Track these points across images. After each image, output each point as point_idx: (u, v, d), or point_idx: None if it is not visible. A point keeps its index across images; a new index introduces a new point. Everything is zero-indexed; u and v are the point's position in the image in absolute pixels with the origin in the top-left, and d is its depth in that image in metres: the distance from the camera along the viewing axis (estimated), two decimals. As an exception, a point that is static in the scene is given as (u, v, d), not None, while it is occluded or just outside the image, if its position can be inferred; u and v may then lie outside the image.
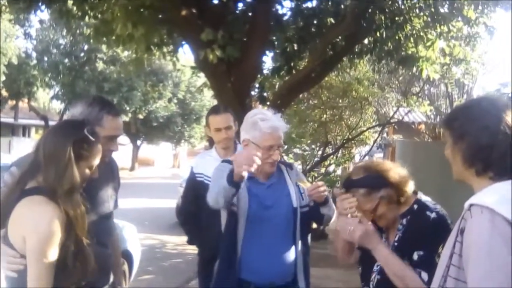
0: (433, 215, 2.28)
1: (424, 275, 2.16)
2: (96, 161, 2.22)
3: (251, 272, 2.85)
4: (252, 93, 7.91)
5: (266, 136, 2.84)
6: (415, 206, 2.36)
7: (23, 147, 24.52)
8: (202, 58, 5.65)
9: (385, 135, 15.44)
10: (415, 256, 2.22)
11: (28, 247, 1.97)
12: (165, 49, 7.69)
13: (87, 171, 2.19)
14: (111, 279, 2.68)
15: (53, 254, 1.97)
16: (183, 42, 7.22)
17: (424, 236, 2.25)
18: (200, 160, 4.01)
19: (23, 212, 2.01)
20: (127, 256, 5.87)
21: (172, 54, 7.76)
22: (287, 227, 2.92)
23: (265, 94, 8.20)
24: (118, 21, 6.18)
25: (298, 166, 9.69)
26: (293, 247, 2.93)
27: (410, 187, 2.38)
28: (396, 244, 2.34)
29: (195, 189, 3.83)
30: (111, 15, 6.54)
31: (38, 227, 1.96)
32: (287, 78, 7.43)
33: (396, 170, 2.39)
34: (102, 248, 2.61)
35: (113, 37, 6.90)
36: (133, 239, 6.17)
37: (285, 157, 10.17)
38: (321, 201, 2.91)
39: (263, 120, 2.87)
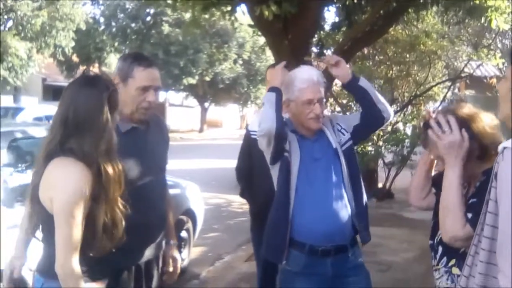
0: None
1: (469, 215, 2.01)
2: None
3: (305, 233, 2.76)
4: (315, 50, 7.75)
5: (303, 91, 2.79)
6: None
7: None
8: (258, 15, 5.55)
9: (456, 90, 14.83)
10: (469, 202, 2.07)
11: (55, 208, 1.97)
12: (224, 9, 7.61)
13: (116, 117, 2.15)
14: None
15: (80, 215, 1.96)
16: (241, 1, 7.10)
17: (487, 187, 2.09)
18: (255, 117, 4.00)
19: (52, 173, 2.00)
20: (191, 215, 6.00)
21: (230, 13, 7.67)
22: (337, 177, 2.82)
23: (326, 51, 7.99)
24: (176, -18, 6.17)
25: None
26: (346, 204, 2.81)
27: (498, 143, 2.06)
28: (469, 201, 2.14)
29: (249, 145, 3.86)
30: (168, -24, 6.53)
31: (65, 188, 1.95)
32: (348, 33, 7.20)
33: (486, 122, 2.15)
34: (158, 202, 2.71)
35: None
36: (196, 198, 6.28)
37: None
38: (348, 78, 2.89)
39: (298, 76, 2.83)
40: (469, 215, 2.02)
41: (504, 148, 1.60)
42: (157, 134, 2.77)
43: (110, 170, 2.02)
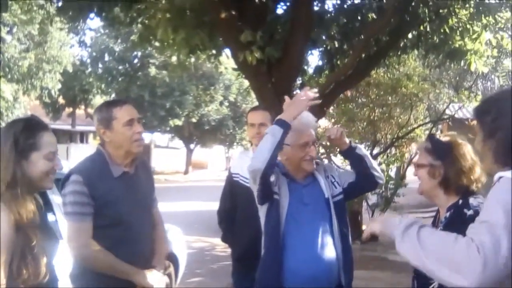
0: (469, 212, 2.14)
1: None
2: (53, 149, 2.13)
3: (293, 278, 2.76)
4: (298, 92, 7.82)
5: (300, 134, 2.82)
6: (460, 201, 2.22)
7: (80, 153, 25.26)
8: (242, 60, 5.63)
9: (438, 132, 15.02)
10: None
11: None
12: (209, 52, 7.72)
13: (46, 162, 2.10)
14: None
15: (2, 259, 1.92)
16: (225, 46, 7.22)
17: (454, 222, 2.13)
18: (238, 160, 4.03)
19: None
20: (173, 259, 5.89)
21: (215, 57, 7.78)
22: (325, 223, 2.84)
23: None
24: (160, 26, 6.25)
25: (347, 166, 9.47)
26: (333, 249, 2.82)
27: (462, 180, 2.24)
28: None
29: (231, 188, 3.87)
30: (154, 21, 6.61)
31: None
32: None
33: (464, 158, 2.26)
34: (144, 244, 2.81)
35: (156, 43, 7.00)
36: (178, 241, 6.19)
37: (334, 158, 10.02)
38: (346, 147, 2.94)
39: (294, 120, 2.83)
40: None
41: (500, 177, 1.61)
42: (144, 176, 2.94)
43: (14, 208, 1.98)
